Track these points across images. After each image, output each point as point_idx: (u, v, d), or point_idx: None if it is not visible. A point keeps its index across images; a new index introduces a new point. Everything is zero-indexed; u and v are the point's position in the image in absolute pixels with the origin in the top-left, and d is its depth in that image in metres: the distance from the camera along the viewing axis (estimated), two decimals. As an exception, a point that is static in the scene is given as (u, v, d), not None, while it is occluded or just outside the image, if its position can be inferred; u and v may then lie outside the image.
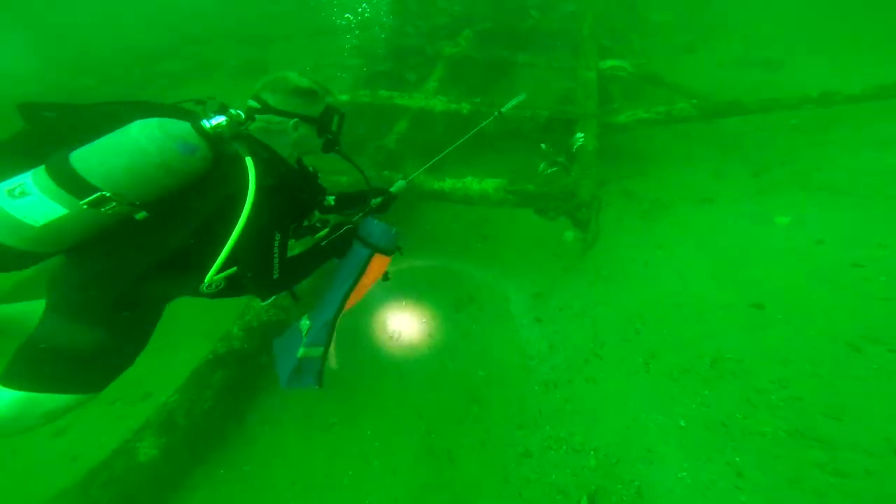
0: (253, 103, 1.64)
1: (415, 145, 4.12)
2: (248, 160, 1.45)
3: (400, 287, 3.35)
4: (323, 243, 1.92)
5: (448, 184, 3.36)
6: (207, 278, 1.47)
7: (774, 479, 1.95)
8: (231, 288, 1.59)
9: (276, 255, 1.55)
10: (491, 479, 2.26)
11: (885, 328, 2.38)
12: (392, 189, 2.17)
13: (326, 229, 1.96)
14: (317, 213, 1.93)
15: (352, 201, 2.16)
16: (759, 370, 2.38)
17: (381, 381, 2.80)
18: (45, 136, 1.39)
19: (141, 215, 1.35)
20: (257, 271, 1.54)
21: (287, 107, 1.64)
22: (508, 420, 2.52)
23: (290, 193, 1.63)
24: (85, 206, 1.25)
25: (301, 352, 1.92)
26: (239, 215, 1.42)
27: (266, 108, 1.63)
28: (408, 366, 2.88)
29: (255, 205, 1.42)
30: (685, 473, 2.08)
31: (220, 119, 1.45)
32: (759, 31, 6.75)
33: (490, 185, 3.29)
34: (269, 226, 1.52)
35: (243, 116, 1.52)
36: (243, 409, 2.67)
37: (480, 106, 4.14)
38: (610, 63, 5.22)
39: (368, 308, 3.22)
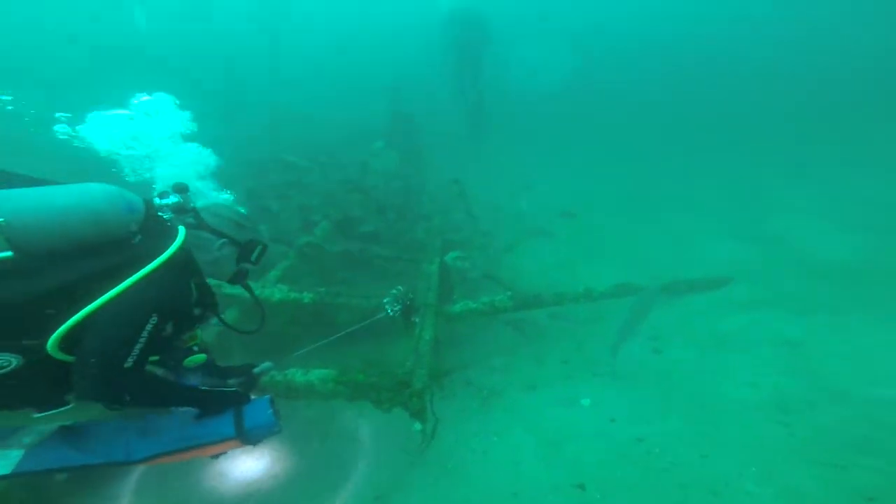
0: (191, 219, 1.73)
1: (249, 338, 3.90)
2: (181, 228, 1.57)
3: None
4: (203, 387, 1.80)
5: (267, 378, 3.00)
6: (53, 337, 1.29)
7: None
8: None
9: (140, 342, 1.37)
10: None
11: (669, 498, 2.77)
12: (255, 371, 2.07)
13: (201, 356, 1.86)
14: (199, 335, 1.88)
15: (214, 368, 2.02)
16: (591, 564, 2.43)
17: None
18: None
19: (4, 254, 1.28)
20: (110, 348, 1.32)
21: (220, 227, 1.78)
22: None
23: (188, 290, 1.62)
24: None
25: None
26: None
27: (201, 225, 1.73)
28: None
29: (155, 271, 1.42)
30: None
31: (174, 198, 1.65)
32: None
33: (316, 375, 3.12)
34: (153, 302, 1.42)
35: (193, 205, 1.69)
36: None
37: (325, 296, 4.27)
38: (452, 255, 6.17)
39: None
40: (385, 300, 3.88)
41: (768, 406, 3.63)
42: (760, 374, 4.11)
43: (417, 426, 3.37)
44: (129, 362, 1.35)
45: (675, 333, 5.06)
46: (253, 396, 1.88)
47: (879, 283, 5.60)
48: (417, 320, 4.04)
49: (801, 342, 4.51)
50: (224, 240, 1.77)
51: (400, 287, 4.01)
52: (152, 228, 1.56)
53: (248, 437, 1.74)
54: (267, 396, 1.91)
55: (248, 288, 1.99)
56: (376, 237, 6.62)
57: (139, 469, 2.79)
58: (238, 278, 1.90)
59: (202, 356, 1.85)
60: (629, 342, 4.80)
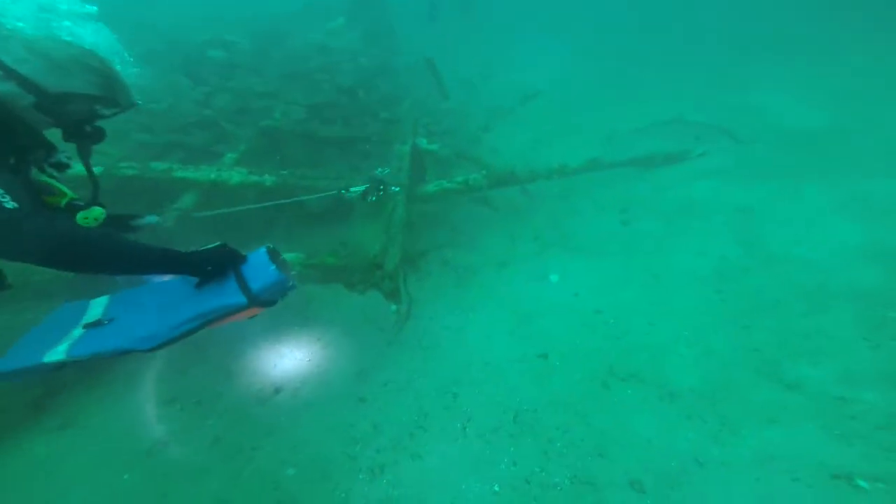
0: None
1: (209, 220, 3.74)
2: None
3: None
4: (186, 250, 1.55)
5: None
6: None
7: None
8: None
9: None
10: None
11: (619, 363, 3.15)
12: (134, 223, 1.91)
13: (96, 210, 1.61)
14: (67, 190, 1.67)
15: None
16: (548, 418, 2.80)
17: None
18: None
19: None
20: None
21: (17, 65, 1.34)
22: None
23: None
24: None
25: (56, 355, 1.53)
26: None
27: None
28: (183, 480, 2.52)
29: None
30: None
31: None
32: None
33: (284, 260, 3.12)
34: None
35: None
36: None
37: (288, 178, 4.03)
38: (424, 136, 5.83)
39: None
40: (376, 174, 3.70)
41: (709, 274, 3.92)
42: (710, 242, 4.35)
43: (393, 307, 3.53)
44: (6, 202, 1.21)
45: (643, 205, 5.16)
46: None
47: (841, 150, 5.68)
48: (374, 199, 3.84)
49: (752, 208, 4.73)
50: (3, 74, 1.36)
51: (387, 169, 3.80)
52: None
53: (260, 301, 1.58)
54: (263, 248, 1.69)
55: (85, 157, 1.59)
56: (345, 121, 6.07)
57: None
58: (76, 136, 1.52)
59: (98, 209, 1.61)
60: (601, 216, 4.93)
